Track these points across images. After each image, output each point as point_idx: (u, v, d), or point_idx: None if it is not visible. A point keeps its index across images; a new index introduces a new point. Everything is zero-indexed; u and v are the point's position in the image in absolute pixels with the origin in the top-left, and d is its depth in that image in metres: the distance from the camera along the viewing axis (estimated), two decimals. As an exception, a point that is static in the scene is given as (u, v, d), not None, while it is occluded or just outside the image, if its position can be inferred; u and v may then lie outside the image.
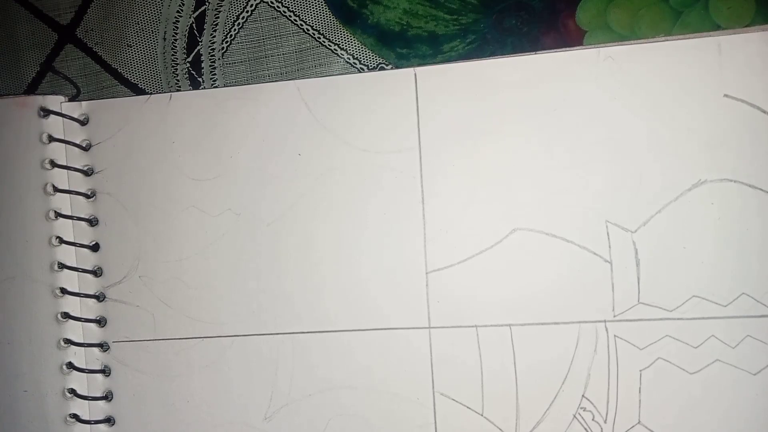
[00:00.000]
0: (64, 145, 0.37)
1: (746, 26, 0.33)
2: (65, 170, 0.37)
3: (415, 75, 0.34)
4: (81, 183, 0.37)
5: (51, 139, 0.37)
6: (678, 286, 0.33)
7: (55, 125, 0.37)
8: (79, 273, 0.37)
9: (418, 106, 0.34)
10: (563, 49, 0.33)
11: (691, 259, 0.32)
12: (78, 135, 0.37)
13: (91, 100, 0.37)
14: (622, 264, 0.33)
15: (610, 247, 0.33)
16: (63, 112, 0.37)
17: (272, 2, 0.37)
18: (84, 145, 0.37)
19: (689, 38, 0.32)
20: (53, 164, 0.37)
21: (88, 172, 0.37)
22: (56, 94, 0.37)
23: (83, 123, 0.37)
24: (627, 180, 0.33)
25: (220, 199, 0.36)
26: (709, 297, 0.32)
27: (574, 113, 0.33)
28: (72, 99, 0.38)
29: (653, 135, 0.33)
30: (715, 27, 0.34)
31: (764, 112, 0.32)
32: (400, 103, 0.35)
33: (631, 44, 0.33)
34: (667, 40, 0.32)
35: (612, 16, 0.34)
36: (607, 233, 0.33)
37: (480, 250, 0.34)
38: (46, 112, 0.37)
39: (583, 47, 0.33)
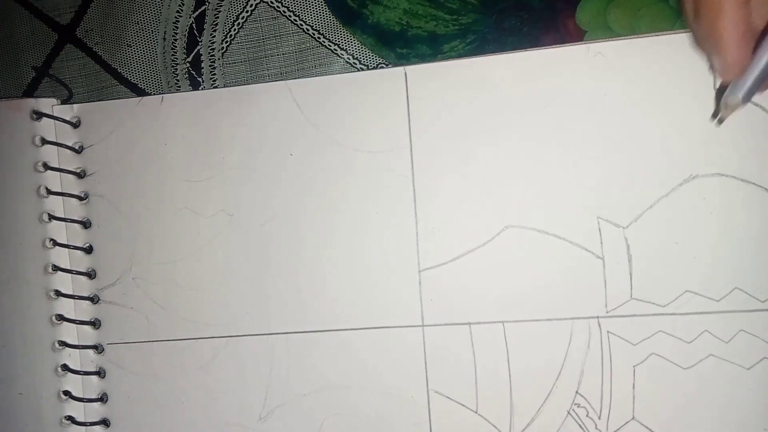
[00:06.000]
0: (56, 147, 0.37)
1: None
2: (58, 173, 0.37)
3: (405, 74, 0.34)
4: (74, 185, 0.37)
5: (44, 141, 0.37)
6: (671, 281, 0.33)
7: (47, 128, 0.37)
8: (73, 275, 0.37)
9: (408, 105, 0.34)
10: (552, 46, 0.33)
11: (683, 255, 0.32)
12: (70, 137, 0.37)
13: (83, 103, 0.38)
14: (615, 260, 0.33)
15: (602, 243, 0.33)
16: (55, 115, 0.37)
17: (272, 2, 0.37)
18: (76, 148, 0.37)
19: (679, 33, 0.32)
20: (46, 167, 0.37)
21: (80, 175, 0.37)
22: (51, 97, 0.38)
23: (75, 125, 0.37)
24: (618, 176, 0.33)
25: (212, 200, 0.36)
26: (702, 292, 0.32)
27: (564, 110, 0.33)
28: (65, 102, 0.38)
29: (644, 130, 0.33)
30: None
31: (756, 105, 0.32)
32: (391, 102, 0.35)
33: (621, 40, 0.33)
34: (657, 35, 0.32)
35: (612, 16, 0.34)
36: (599, 229, 0.33)
37: (472, 248, 0.34)
38: (38, 115, 0.37)
39: (573, 44, 0.33)
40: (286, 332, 0.36)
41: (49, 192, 0.37)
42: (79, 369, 0.37)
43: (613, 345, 0.33)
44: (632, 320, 0.33)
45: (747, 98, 0.28)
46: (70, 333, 0.37)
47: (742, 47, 0.27)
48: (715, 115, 0.32)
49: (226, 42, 0.38)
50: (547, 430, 0.34)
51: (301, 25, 0.37)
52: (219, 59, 0.38)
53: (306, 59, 0.37)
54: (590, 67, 0.33)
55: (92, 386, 0.37)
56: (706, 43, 0.29)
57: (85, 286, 0.37)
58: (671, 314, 0.33)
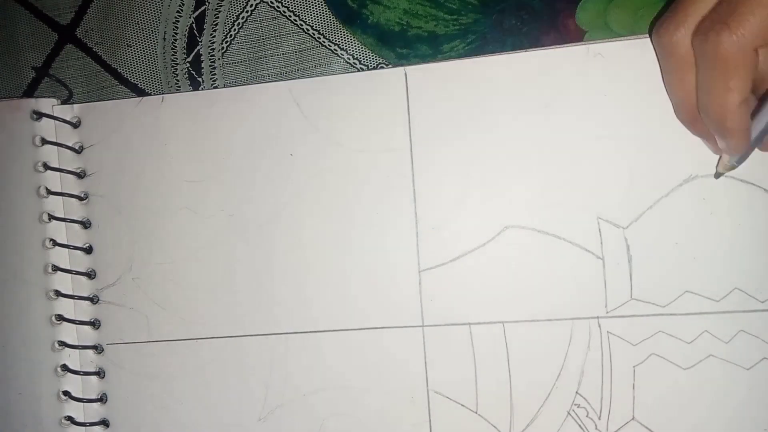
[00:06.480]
0: (56, 147, 0.37)
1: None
2: (58, 173, 0.37)
3: (406, 74, 0.34)
4: (74, 185, 0.37)
5: (44, 141, 0.37)
6: (670, 281, 0.33)
7: (47, 128, 0.37)
8: (73, 275, 0.37)
9: (408, 105, 0.34)
10: (552, 46, 0.33)
11: (683, 255, 0.32)
12: (70, 137, 0.37)
13: (83, 103, 0.38)
14: (615, 260, 0.33)
15: (602, 243, 0.33)
16: (55, 115, 0.37)
17: (272, 2, 0.37)
18: (77, 148, 0.37)
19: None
20: (46, 167, 0.37)
21: (80, 175, 0.37)
22: (51, 97, 0.38)
23: (75, 126, 0.37)
24: (618, 176, 0.33)
25: (212, 200, 0.36)
26: (702, 292, 0.32)
27: (564, 110, 0.33)
28: (65, 102, 0.38)
29: (644, 130, 0.33)
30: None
31: (754, 106, 0.32)
32: (391, 102, 0.35)
33: (620, 41, 0.33)
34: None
35: (612, 16, 0.34)
36: (599, 230, 0.33)
37: (472, 248, 0.34)
38: (38, 115, 0.37)
39: (573, 44, 0.33)
40: (286, 332, 0.36)
41: (49, 192, 0.37)
42: (79, 369, 0.37)
43: (613, 345, 0.33)
44: (632, 320, 0.33)
45: (741, 162, 0.30)
46: (69, 333, 0.37)
47: (748, 133, 0.28)
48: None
49: (226, 42, 0.38)
50: (547, 431, 0.34)
51: (301, 25, 0.37)
52: (219, 59, 0.38)
53: (306, 59, 0.37)
54: (590, 67, 0.33)
55: (92, 386, 0.37)
56: (702, 126, 0.30)
57: (84, 286, 0.37)
58: (671, 314, 0.33)
